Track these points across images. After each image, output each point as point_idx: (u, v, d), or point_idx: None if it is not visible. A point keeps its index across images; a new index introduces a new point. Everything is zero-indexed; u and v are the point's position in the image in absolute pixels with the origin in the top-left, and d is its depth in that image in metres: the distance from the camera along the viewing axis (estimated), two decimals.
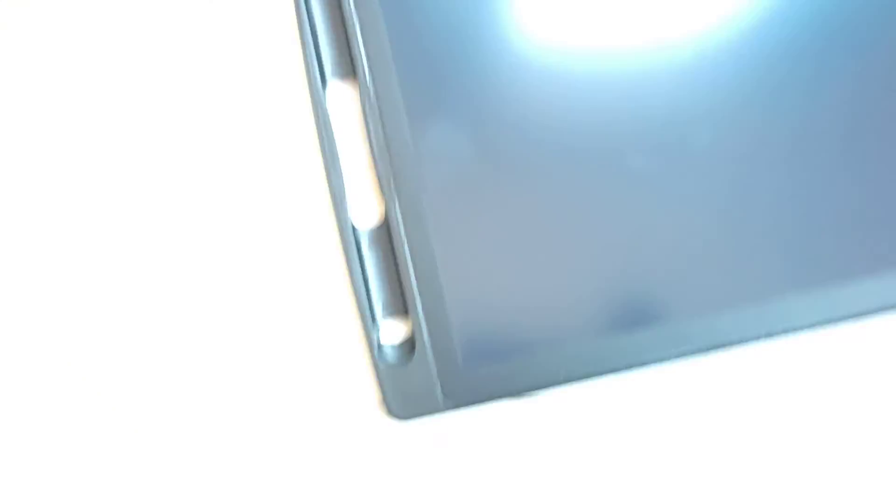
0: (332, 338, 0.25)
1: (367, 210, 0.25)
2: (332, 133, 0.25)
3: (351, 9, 0.25)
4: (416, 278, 0.24)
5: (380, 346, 0.25)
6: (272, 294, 0.25)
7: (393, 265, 0.25)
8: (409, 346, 0.24)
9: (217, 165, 0.26)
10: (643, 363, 0.24)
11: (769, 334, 0.24)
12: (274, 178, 0.26)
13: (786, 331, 0.24)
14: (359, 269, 0.25)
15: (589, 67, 0.25)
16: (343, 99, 0.25)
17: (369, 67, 0.25)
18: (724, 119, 0.25)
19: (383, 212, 0.25)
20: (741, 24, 0.25)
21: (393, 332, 0.25)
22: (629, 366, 0.24)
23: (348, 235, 0.25)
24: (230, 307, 0.25)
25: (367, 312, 0.25)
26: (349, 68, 0.25)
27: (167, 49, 0.26)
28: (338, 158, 0.25)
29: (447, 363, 0.24)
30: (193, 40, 0.26)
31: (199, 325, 0.25)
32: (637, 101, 0.25)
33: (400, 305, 0.25)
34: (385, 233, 0.25)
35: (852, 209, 0.24)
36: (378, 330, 0.25)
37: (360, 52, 0.25)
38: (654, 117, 0.25)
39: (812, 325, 0.24)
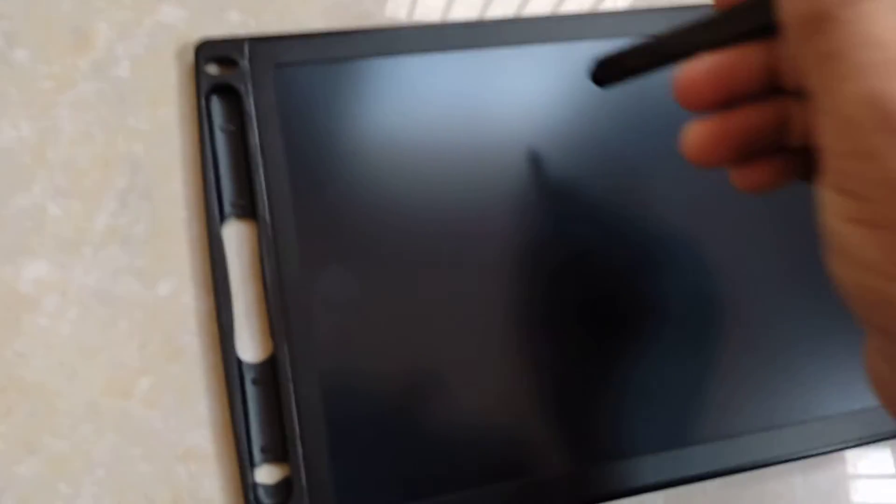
0: (205, 477, 0.24)
1: (255, 346, 0.25)
2: (225, 269, 0.25)
3: (256, 151, 0.26)
4: (299, 420, 0.24)
5: (255, 487, 0.24)
6: (152, 427, 0.24)
7: (276, 404, 0.25)
8: (286, 488, 0.24)
9: (108, 291, 0.25)
10: None
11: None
12: (165, 310, 0.25)
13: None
14: (240, 405, 0.24)
15: (484, 215, 0.27)
16: (240, 237, 0.26)
17: (269, 209, 0.26)
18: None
19: (271, 349, 0.25)
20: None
21: (270, 473, 0.25)
22: None
23: (233, 369, 0.25)
24: (106, 432, 0.24)
25: (245, 450, 0.24)
26: (248, 208, 0.26)
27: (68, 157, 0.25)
28: (230, 294, 0.25)
29: None
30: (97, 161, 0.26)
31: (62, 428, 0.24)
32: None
33: (279, 446, 0.24)
34: (271, 370, 0.25)
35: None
36: (254, 470, 0.24)
37: (261, 193, 0.26)
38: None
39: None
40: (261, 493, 0.24)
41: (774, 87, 0.19)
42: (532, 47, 0.29)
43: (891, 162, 0.15)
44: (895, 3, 0.15)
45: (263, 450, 0.25)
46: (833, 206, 0.17)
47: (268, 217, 0.26)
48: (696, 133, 0.20)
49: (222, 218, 0.26)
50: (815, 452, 0.27)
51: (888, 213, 0.15)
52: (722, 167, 0.21)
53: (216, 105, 0.27)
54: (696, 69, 0.20)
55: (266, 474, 0.24)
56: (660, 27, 0.21)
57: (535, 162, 0.28)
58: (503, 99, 0.29)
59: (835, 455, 0.28)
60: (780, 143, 0.20)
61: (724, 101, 0.20)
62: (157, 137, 0.26)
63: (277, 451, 0.25)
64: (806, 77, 0.17)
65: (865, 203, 0.16)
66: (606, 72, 0.24)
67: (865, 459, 0.29)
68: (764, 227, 0.29)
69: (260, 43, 0.27)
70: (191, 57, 0.27)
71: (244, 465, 0.24)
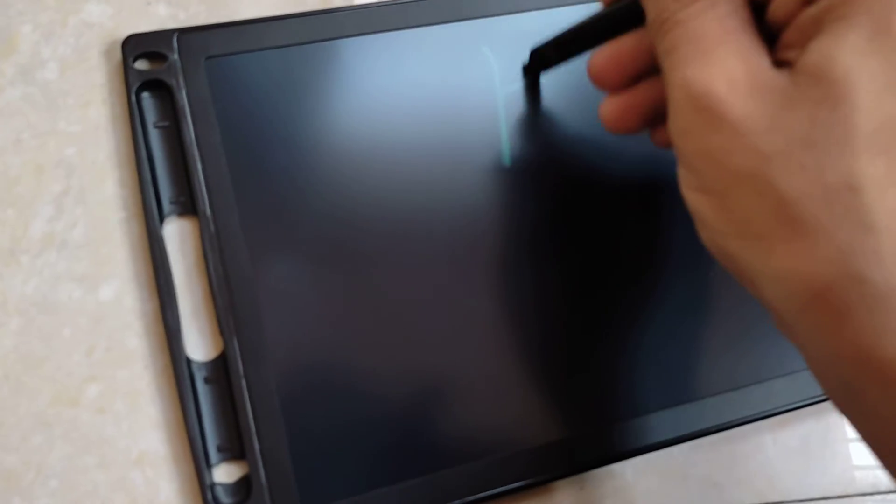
0: (161, 481, 0.24)
1: (204, 345, 0.25)
2: (168, 268, 0.25)
3: (192, 145, 0.25)
4: (255, 416, 0.24)
5: (213, 487, 0.24)
6: (104, 434, 0.24)
7: (229, 402, 0.24)
8: (245, 486, 0.24)
9: (49, 297, 0.24)
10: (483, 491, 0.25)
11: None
12: (109, 314, 0.25)
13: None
14: (192, 405, 0.24)
15: (434, 195, 0.27)
16: (182, 234, 0.25)
17: (210, 203, 0.25)
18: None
19: (221, 347, 0.24)
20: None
21: (228, 472, 0.24)
22: (472, 494, 0.25)
23: (182, 369, 0.24)
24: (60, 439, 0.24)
25: (201, 450, 0.24)
26: (188, 204, 0.26)
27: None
28: (174, 293, 0.25)
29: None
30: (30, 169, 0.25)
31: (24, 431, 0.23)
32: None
33: (236, 444, 0.24)
34: (222, 367, 0.24)
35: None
36: (211, 470, 0.24)
37: (200, 188, 0.25)
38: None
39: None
40: (219, 492, 0.24)
41: None
42: (471, 22, 0.28)
43: (702, 137, 0.18)
44: (723, 6, 0.18)
45: (220, 449, 0.24)
46: (682, 179, 0.20)
47: (209, 212, 0.25)
48: (606, 107, 0.23)
49: (162, 216, 0.25)
50: (782, 409, 0.27)
51: (710, 180, 0.18)
52: (637, 132, 0.24)
53: (148, 101, 0.26)
54: (600, 56, 0.23)
55: (224, 473, 0.24)
56: None
57: (486, 138, 0.28)
58: (445, 77, 0.28)
59: (803, 411, 0.28)
60: None
61: (629, 78, 0.23)
62: (90, 139, 0.26)
63: (234, 449, 0.24)
64: (660, 68, 0.20)
65: (696, 173, 0.19)
66: (534, 63, 0.28)
67: (834, 413, 0.29)
68: None
69: (189, 35, 0.26)
70: (119, 54, 0.26)
71: (200, 466, 0.24)
